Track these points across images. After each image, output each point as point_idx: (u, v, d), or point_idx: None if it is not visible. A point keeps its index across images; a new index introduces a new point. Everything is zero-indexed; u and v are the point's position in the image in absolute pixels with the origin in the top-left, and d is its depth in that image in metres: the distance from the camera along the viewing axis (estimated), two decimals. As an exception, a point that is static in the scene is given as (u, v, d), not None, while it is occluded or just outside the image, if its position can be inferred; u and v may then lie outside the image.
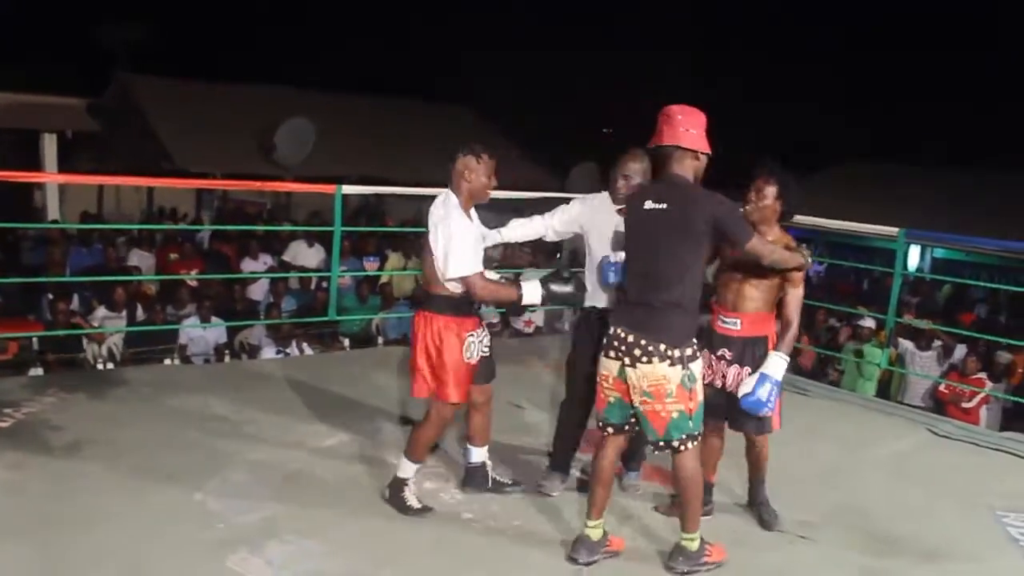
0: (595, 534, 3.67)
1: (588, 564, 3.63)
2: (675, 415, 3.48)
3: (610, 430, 3.68)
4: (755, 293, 3.90)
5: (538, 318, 10.67)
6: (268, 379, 5.97)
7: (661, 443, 3.55)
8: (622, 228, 3.91)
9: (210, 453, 4.51)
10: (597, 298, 4.21)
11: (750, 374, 3.83)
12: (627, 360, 3.50)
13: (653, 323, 3.48)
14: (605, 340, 3.61)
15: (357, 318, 9.76)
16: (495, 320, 10.61)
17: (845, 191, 15.74)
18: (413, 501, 3.99)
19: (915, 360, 8.76)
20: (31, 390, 5.28)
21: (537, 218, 4.56)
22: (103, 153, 16.12)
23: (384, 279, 10.88)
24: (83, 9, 22.61)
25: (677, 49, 26.08)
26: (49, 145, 14.82)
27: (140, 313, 8.93)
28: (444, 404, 3.97)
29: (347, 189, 6.42)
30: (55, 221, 13.64)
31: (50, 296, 8.91)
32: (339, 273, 6.75)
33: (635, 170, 4.14)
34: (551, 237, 4.55)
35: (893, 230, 6.35)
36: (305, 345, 8.50)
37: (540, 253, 12.75)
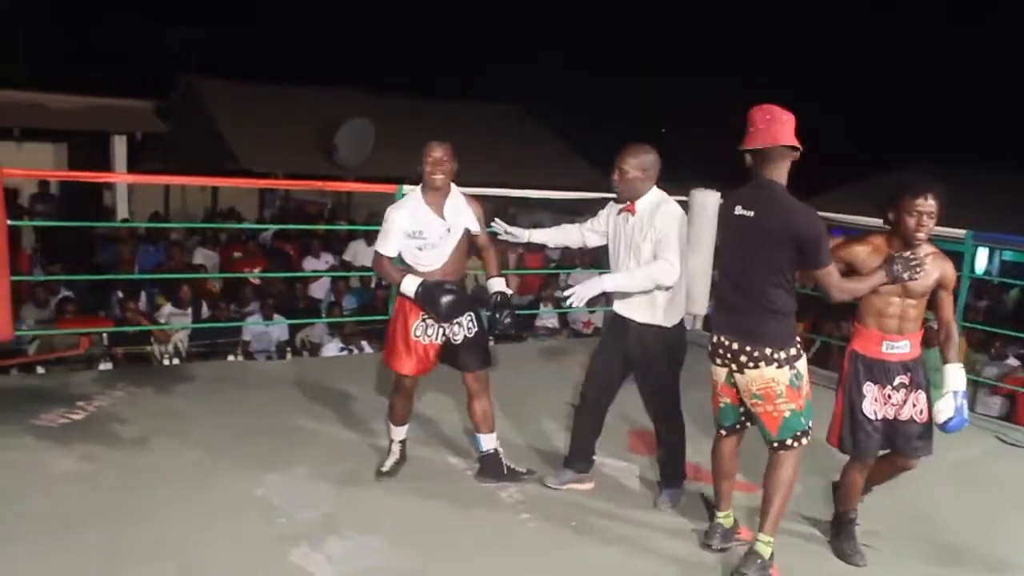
0: (727, 522, 3.82)
1: (722, 550, 3.76)
2: (787, 414, 3.50)
3: (723, 432, 3.83)
4: (916, 312, 3.72)
5: (597, 319, 10.64)
6: (329, 376, 6.04)
7: (775, 443, 3.56)
8: (619, 228, 4.13)
9: (272, 448, 4.58)
10: (621, 305, 4.19)
11: (924, 397, 3.72)
12: (734, 366, 3.57)
13: (755, 329, 3.51)
14: (711, 347, 3.68)
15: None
16: (553, 321, 10.62)
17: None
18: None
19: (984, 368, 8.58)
20: (101, 384, 5.43)
21: (574, 226, 4.57)
22: (169, 154, 16.46)
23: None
24: (150, 13, 23.10)
25: (734, 47, 25.83)
26: (119, 146, 15.17)
27: (205, 310, 9.11)
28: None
29: (408, 189, 6.46)
30: (125, 220, 13.96)
31: (119, 293, 9.13)
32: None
33: (632, 164, 4.03)
34: (592, 243, 4.48)
35: (960, 232, 6.19)
36: (365, 343, 8.58)
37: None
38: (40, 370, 6.94)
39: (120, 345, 8.18)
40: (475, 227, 4.32)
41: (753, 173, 3.57)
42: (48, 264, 10.91)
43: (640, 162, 4.04)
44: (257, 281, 9.68)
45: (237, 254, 11.41)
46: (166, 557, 3.46)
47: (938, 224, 3.65)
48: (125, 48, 21.45)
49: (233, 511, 3.87)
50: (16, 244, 9.34)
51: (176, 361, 8.10)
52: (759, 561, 3.51)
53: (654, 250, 4.00)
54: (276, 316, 8.94)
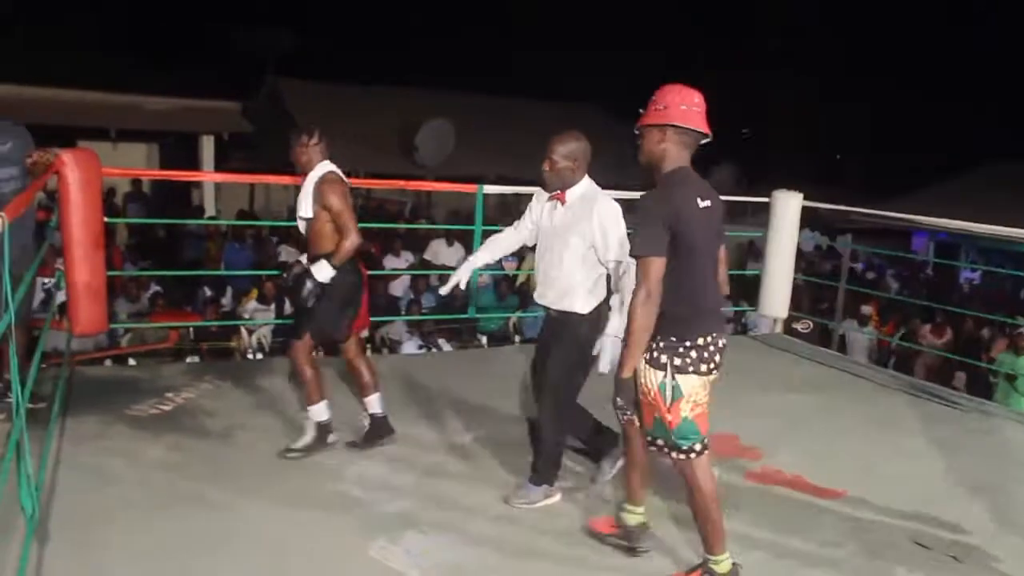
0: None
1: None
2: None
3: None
4: None
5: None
6: (408, 373, 6.11)
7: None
8: (548, 218, 4.06)
9: (352, 443, 4.66)
10: (551, 299, 4.09)
11: None
12: (719, 367, 3.31)
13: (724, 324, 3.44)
14: (705, 354, 3.23)
15: (495, 316, 9.89)
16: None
17: (996, 193, 14.93)
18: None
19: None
20: (189, 376, 5.59)
21: (506, 232, 4.44)
22: (254, 153, 16.83)
23: (522, 278, 10.98)
24: (237, 16, 23.64)
25: (812, 46, 25.32)
26: (207, 146, 15.60)
27: (288, 307, 9.29)
28: None
29: (488, 189, 6.51)
30: (212, 218, 14.33)
31: (206, 289, 9.39)
32: (478, 271, 6.84)
33: (561, 153, 3.95)
34: (532, 240, 4.29)
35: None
36: (443, 341, 8.66)
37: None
38: (131, 362, 7.18)
39: (206, 340, 8.40)
40: (305, 212, 4.44)
41: (670, 159, 3.28)
42: (139, 260, 11.26)
43: (569, 151, 3.98)
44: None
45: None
46: (249, 546, 3.55)
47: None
48: (213, 51, 21.99)
49: (314, 504, 3.95)
50: (111, 241, 9.66)
51: (259, 356, 8.29)
52: (632, 530, 3.56)
53: (596, 248, 3.92)
54: (356, 313, 9.07)
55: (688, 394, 3.20)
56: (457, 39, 25.32)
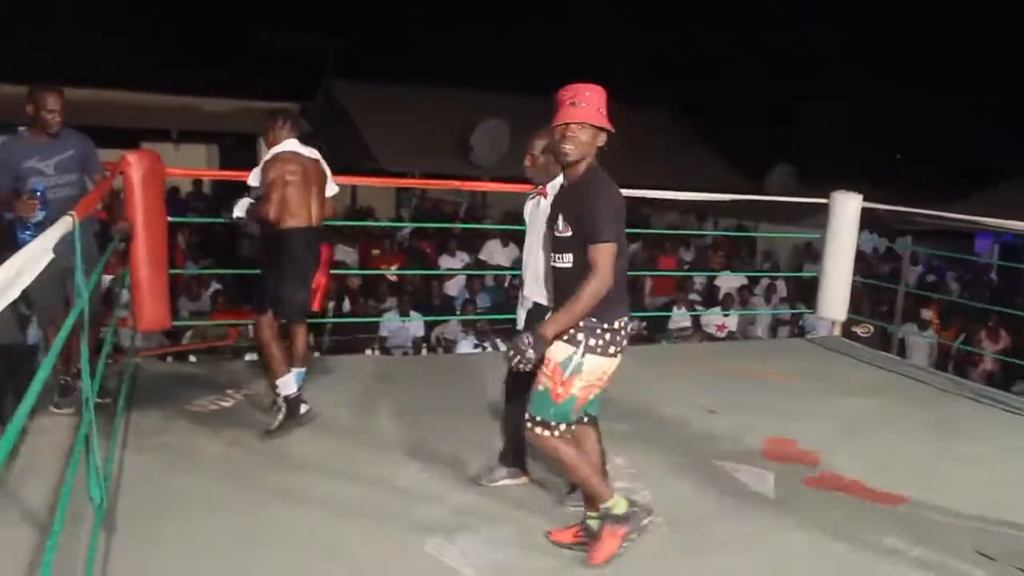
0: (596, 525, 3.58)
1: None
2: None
3: (584, 420, 3.67)
4: None
5: (732, 323, 10.48)
6: (463, 372, 6.15)
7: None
8: (533, 214, 4.05)
9: (410, 441, 4.70)
10: (538, 293, 4.00)
11: None
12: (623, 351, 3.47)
13: None
14: (617, 337, 3.37)
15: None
16: (686, 324, 10.51)
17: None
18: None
19: None
20: (249, 374, 5.69)
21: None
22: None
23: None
24: (296, 18, 23.96)
25: (873, 47, 24.88)
26: (264, 147, 15.83)
27: (346, 305, 9.40)
28: None
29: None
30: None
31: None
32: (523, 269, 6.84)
33: (540, 147, 4.00)
34: None
35: None
36: (499, 340, 8.68)
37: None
38: (192, 359, 7.31)
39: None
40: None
41: (587, 152, 3.38)
42: (200, 259, 11.47)
43: (547, 145, 3.92)
44: (394, 278, 9.93)
45: (375, 251, 11.73)
46: (305, 542, 3.59)
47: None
48: (273, 53, 22.28)
49: (371, 501, 3.99)
50: (173, 240, 9.85)
51: (316, 355, 8.38)
52: (619, 517, 3.50)
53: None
54: (412, 313, 9.15)
55: (587, 373, 3.33)
56: (513, 39, 25.34)
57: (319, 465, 4.35)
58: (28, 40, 17.68)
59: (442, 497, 4.06)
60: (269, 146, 4.87)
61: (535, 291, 4.01)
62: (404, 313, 9.10)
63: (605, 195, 3.32)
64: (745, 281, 11.55)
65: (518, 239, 11.80)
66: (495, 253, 11.72)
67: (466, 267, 11.35)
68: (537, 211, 4.05)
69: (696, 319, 10.65)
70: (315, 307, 5.20)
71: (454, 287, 10.74)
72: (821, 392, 6.10)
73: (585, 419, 3.68)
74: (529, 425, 3.41)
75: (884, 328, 8.98)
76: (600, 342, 3.33)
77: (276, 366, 4.75)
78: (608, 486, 3.53)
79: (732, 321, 10.54)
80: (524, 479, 4.26)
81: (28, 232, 4.47)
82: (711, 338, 10.22)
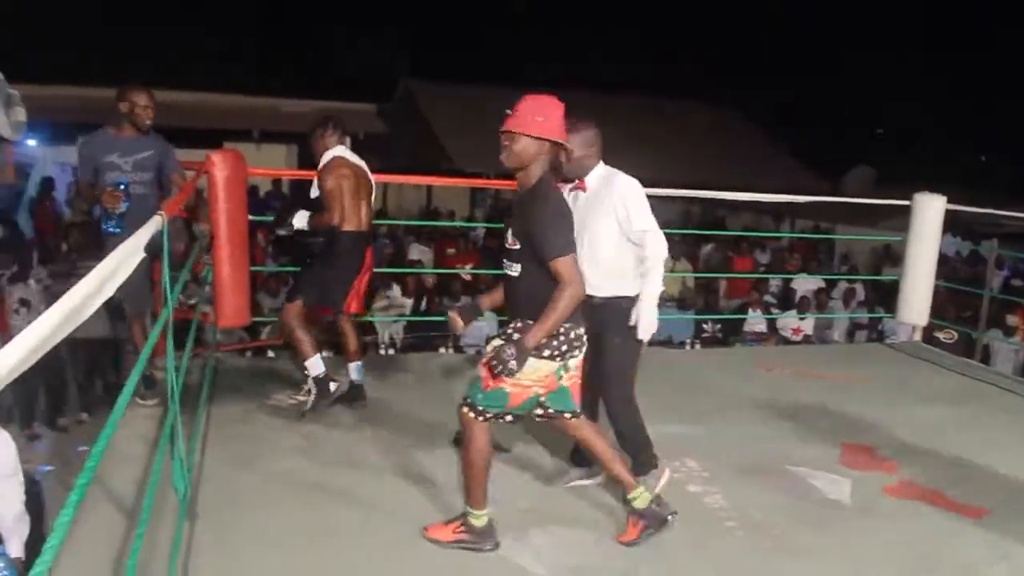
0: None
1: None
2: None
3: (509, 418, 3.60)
4: None
5: (808, 326, 10.31)
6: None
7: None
8: (575, 206, 3.91)
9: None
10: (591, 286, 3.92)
11: None
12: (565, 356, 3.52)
13: None
14: (555, 343, 3.43)
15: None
16: (761, 327, 10.37)
17: None
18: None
19: None
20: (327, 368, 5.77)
21: None
22: (388, 154, 17.25)
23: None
24: (375, 19, 24.27)
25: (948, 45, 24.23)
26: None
27: (423, 304, 9.51)
28: None
29: (618, 190, 6.47)
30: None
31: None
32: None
33: (575, 143, 3.87)
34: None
35: None
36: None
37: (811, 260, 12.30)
38: (270, 354, 7.46)
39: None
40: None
41: (524, 161, 3.44)
42: (279, 256, 11.69)
43: (583, 139, 3.94)
44: (468, 277, 10.00)
45: (450, 251, 11.82)
46: (377, 537, 3.65)
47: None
48: (351, 54, 22.62)
49: (444, 500, 4.02)
50: (253, 238, 10.06)
51: (391, 352, 8.50)
52: (475, 529, 3.59)
53: (621, 225, 3.92)
54: (486, 312, 9.19)
55: (522, 374, 3.39)
56: (590, 39, 25.33)
57: (391, 462, 4.41)
58: (116, 45, 18.24)
59: (514, 497, 4.07)
60: (319, 152, 5.08)
61: (591, 287, 3.88)
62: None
63: (547, 209, 3.38)
64: (822, 284, 11.35)
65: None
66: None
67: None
68: (576, 206, 4.00)
69: (771, 322, 10.50)
70: (356, 309, 5.33)
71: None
72: (901, 398, 5.98)
73: (568, 415, 3.68)
74: (461, 403, 3.56)
75: (968, 334, 8.74)
76: (544, 346, 3.42)
77: (304, 349, 4.93)
78: (483, 498, 3.58)
79: (808, 325, 10.37)
80: (598, 479, 4.26)
81: (112, 223, 4.68)
82: (786, 342, 10.08)
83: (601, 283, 3.94)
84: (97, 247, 4.90)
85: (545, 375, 3.48)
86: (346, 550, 3.53)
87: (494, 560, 3.52)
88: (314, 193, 5.05)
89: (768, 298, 11.56)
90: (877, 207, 9.29)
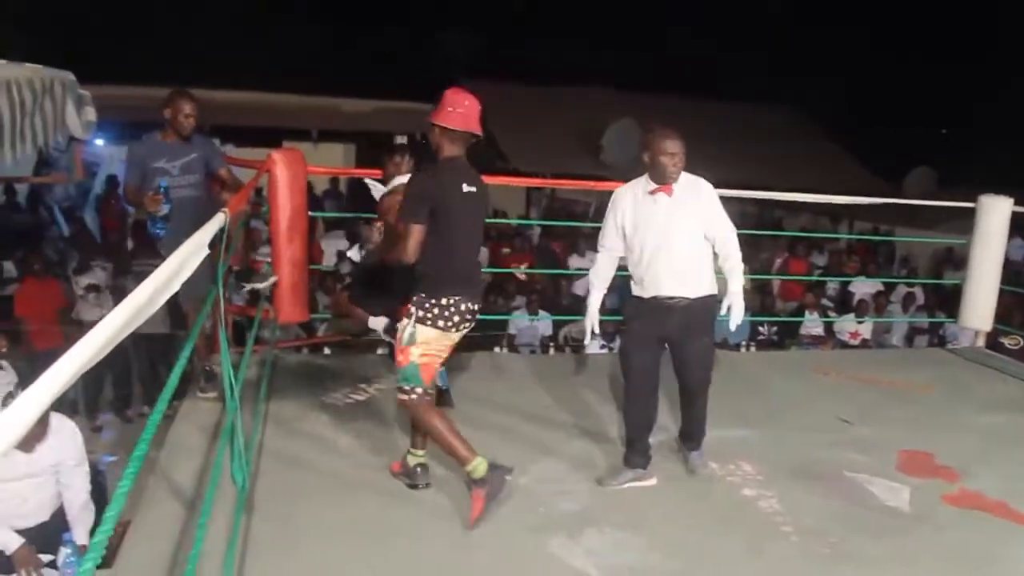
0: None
1: None
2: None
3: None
4: None
5: (865, 330, 10.15)
6: (591, 373, 6.17)
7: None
8: (646, 212, 4.13)
9: (534, 440, 4.75)
10: (674, 286, 4.15)
11: None
12: (467, 327, 3.92)
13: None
14: (446, 312, 3.78)
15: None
16: (818, 330, 10.23)
17: None
18: None
19: None
20: (382, 367, 5.83)
21: (604, 262, 4.51)
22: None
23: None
24: (430, 19, 24.40)
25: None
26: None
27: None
28: None
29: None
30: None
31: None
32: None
33: (682, 147, 4.18)
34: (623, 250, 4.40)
35: None
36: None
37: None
38: (326, 351, 7.55)
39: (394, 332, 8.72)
40: None
41: (444, 150, 3.83)
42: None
43: (674, 144, 4.14)
44: (523, 277, 10.01)
45: (506, 250, 11.84)
46: (430, 535, 3.68)
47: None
48: (408, 53, 22.77)
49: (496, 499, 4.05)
50: (311, 235, 10.18)
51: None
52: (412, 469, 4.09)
53: (707, 228, 4.14)
54: (541, 312, 9.21)
55: (421, 342, 3.77)
56: (645, 39, 25.17)
57: (445, 461, 4.43)
58: (179, 45, 18.60)
59: (567, 497, 4.09)
60: (388, 178, 5.09)
61: (684, 289, 4.14)
62: (533, 312, 9.17)
63: (412, 181, 3.88)
64: (881, 287, 11.16)
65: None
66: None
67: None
68: (656, 210, 4.16)
69: (828, 326, 10.35)
70: None
71: (582, 287, 10.73)
72: (963, 405, 5.86)
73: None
74: (399, 391, 3.90)
75: (1033, 340, 8.54)
76: (429, 314, 3.77)
77: (357, 315, 5.00)
78: (469, 449, 3.79)
79: (866, 329, 10.20)
80: (651, 481, 4.28)
81: (158, 227, 4.80)
82: (844, 345, 9.93)
83: (689, 283, 4.12)
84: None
85: (439, 343, 3.85)
86: (401, 547, 3.57)
87: (546, 558, 3.54)
88: (375, 192, 5.13)
89: (825, 301, 11.40)
90: (938, 209, 9.11)
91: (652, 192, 4.15)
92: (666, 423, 4.97)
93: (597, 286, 4.51)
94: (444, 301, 3.78)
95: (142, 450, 1.62)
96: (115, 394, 8.55)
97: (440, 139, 3.83)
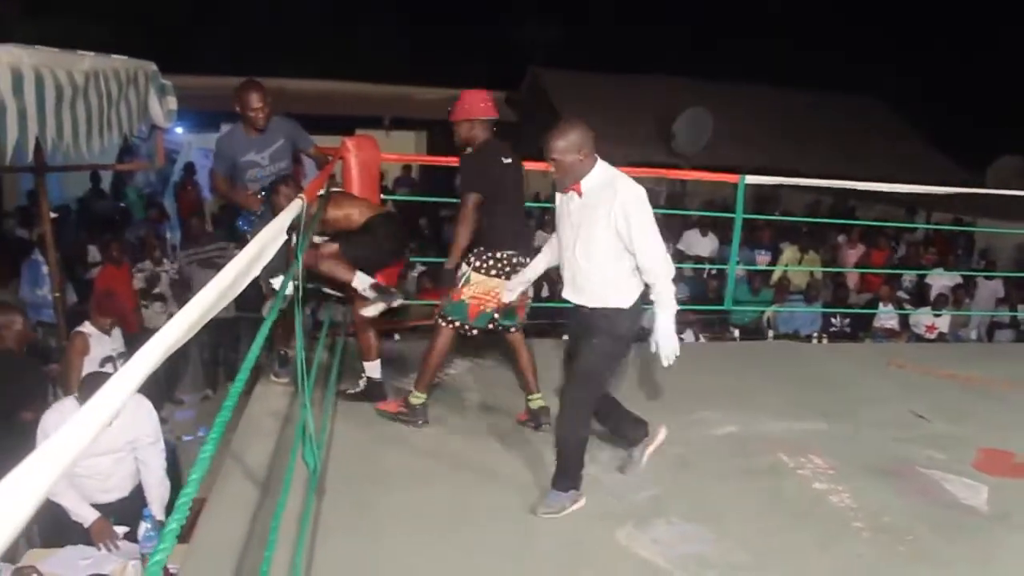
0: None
1: None
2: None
3: (478, 330, 4.61)
4: None
5: (943, 323, 9.90)
6: (659, 361, 6.12)
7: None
8: (565, 210, 3.90)
9: (601, 429, 4.73)
10: (573, 294, 3.93)
11: None
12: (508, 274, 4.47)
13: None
14: (499, 264, 4.48)
15: (752, 309, 9.69)
16: (893, 323, 10.02)
17: None
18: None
19: None
20: (451, 354, 5.85)
21: (545, 247, 4.26)
22: (516, 141, 17.31)
23: (778, 274, 10.68)
24: (504, 7, 24.43)
25: None
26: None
27: (544, 290, 9.55)
28: None
29: (751, 179, 6.34)
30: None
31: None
32: (735, 265, 6.72)
33: (561, 149, 3.74)
34: None
35: None
36: (696, 332, 8.59)
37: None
38: (396, 337, 7.64)
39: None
40: None
41: (478, 137, 4.55)
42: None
43: (569, 143, 3.68)
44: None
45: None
46: (499, 521, 3.72)
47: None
48: (482, 42, 22.83)
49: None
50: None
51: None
52: (412, 407, 4.64)
53: (623, 242, 3.66)
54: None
55: (473, 285, 4.44)
56: (717, 27, 24.85)
57: (513, 448, 4.47)
58: (255, 36, 18.93)
59: (637, 486, 4.08)
60: (276, 209, 4.90)
61: (579, 296, 3.88)
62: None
63: (464, 160, 4.59)
64: (959, 280, 10.86)
65: (718, 228, 11.66)
66: (694, 243, 11.58)
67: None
68: (569, 208, 3.86)
69: (903, 318, 10.13)
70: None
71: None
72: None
73: (500, 328, 4.69)
74: (440, 318, 4.54)
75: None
76: (484, 265, 4.45)
77: (341, 269, 4.80)
78: (427, 385, 4.65)
79: (943, 322, 9.94)
80: (582, 501, 3.87)
81: (246, 222, 4.90)
82: (919, 339, 9.71)
83: (592, 291, 3.80)
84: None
85: (491, 288, 4.43)
86: (468, 533, 3.61)
87: (612, 547, 3.55)
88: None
89: (901, 293, 11.15)
90: (1020, 201, 8.84)
91: (565, 191, 3.86)
92: (732, 416, 4.95)
93: (535, 261, 4.30)
94: (499, 255, 4.48)
95: (218, 432, 1.66)
96: (187, 376, 8.80)
97: (473, 130, 4.55)
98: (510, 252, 4.48)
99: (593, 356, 3.81)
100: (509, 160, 4.55)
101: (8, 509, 0.83)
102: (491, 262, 4.46)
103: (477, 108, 4.54)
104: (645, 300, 3.85)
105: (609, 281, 3.76)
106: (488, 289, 4.45)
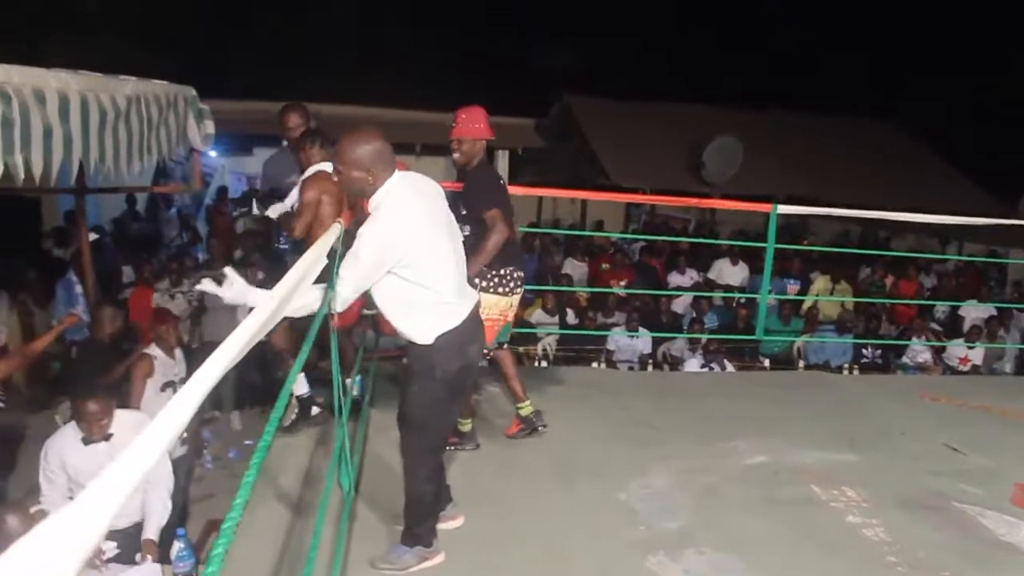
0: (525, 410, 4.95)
1: None
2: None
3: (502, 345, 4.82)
4: None
5: (976, 356, 9.79)
6: (689, 391, 6.12)
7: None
8: None
9: (634, 456, 4.74)
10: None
11: None
12: (518, 292, 4.71)
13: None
14: (504, 280, 4.59)
15: (783, 339, 9.63)
16: (926, 356, 9.92)
17: None
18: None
19: None
20: (482, 380, 5.86)
21: None
22: (545, 168, 17.39)
23: (808, 303, 10.62)
24: (532, 34, 24.63)
25: None
26: (502, 160, 16.35)
27: (571, 317, 9.56)
28: None
29: (783, 209, 6.32)
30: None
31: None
32: (767, 294, 6.69)
33: (345, 163, 3.21)
34: None
35: None
36: (726, 361, 8.56)
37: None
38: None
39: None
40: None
41: (479, 155, 4.65)
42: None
43: (354, 159, 3.18)
44: (623, 294, 9.99)
45: (605, 265, 11.81)
46: (532, 545, 3.71)
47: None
48: (511, 69, 23.00)
49: (595, 511, 4.06)
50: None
51: (544, 364, 8.58)
52: (525, 418, 4.93)
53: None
54: (640, 328, 9.18)
55: (486, 309, 4.38)
56: (746, 55, 24.92)
57: (542, 474, 4.46)
58: (290, 62, 19.19)
59: (667, 515, 4.06)
60: (304, 165, 4.84)
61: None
62: (632, 329, 9.14)
63: (476, 179, 4.62)
64: (994, 312, 10.73)
65: (748, 257, 11.62)
66: (724, 272, 11.55)
67: (695, 285, 11.25)
68: None
69: (936, 350, 10.02)
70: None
71: (681, 304, 10.67)
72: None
73: (505, 345, 4.86)
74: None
75: None
76: (490, 284, 4.56)
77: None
78: (523, 393, 4.93)
79: (977, 354, 9.83)
80: (438, 558, 3.56)
81: (284, 242, 4.96)
82: (953, 371, 9.60)
83: (393, 328, 3.37)
84: (264, 258, 5.14)
85: (503, 308, 4.61)
86: (498, 557, 3.61)
87: (642, 574, 3.52)
88: (273, 212, 5.11)
89: (934, 325, 11.04)
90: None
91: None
92: (763, 446, 4.92)
93: None
94: (503, 271, 4.59)
95: (260, 456, 1.68)
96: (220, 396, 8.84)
97: (474, 148, 4.62)
98: (511, 267, 4.63)
99: (417, 403, 3.35)
100: (504, 180, 4.86)
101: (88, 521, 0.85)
102: (496, 279, 4.58)
103: (487, 128, 4.66)
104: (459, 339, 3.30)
105: (390, 313, 3.30)
106: (502, 310, 4.63)
